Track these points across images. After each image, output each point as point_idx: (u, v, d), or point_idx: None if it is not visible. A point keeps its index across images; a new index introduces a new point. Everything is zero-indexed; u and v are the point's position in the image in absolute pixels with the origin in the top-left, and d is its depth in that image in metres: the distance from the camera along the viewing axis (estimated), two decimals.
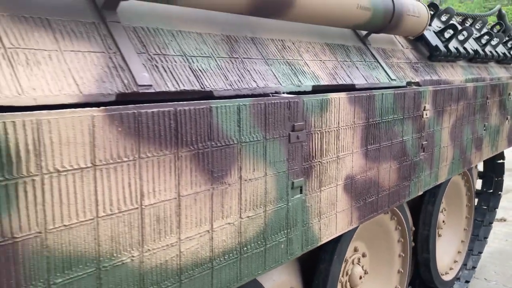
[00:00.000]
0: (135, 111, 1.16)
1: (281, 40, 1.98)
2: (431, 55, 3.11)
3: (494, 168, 5.19)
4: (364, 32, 2.56)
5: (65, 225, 1.06)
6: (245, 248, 1.55)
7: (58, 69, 1.15)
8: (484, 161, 5.01)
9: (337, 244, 2.42)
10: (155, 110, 1.21)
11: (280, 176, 1.66)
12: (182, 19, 1.60)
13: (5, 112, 0.95)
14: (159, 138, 1.23)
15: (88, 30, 1.30)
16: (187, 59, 1.51)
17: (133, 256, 1.21)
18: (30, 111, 0.99)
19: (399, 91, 2.35)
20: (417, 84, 2.75)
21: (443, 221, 4.09)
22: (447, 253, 4.31)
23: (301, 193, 1.77)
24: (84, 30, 1.29)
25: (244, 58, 1.72)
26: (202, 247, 1.40)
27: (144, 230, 1.23)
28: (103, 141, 1.10)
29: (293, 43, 2.03)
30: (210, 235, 1.42)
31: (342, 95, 1.93)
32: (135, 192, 1.19)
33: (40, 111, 0.99)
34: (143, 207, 1.22)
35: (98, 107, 1.10)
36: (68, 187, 1.05)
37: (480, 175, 5.25)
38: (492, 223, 5.12)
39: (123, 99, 1.24)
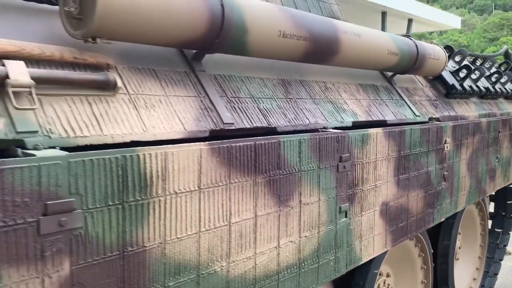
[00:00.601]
0: (228, 145, 1.43)
1: (324, 82, 2.27)
2: (448, 92, 3.39)
3: (505, 193, 5.35)
4: (390, 73, 2.85)
5: (177, 237, 1.30)
6: (303, 264, 1.78)
7: (167, 111, 1.42)
8: None
9: (369, 265, 2.62)
10: (241, 144, 1.47)
11: (330, 201, 1.90)
12: (248, 67, 1.89)
13: (134, 146, 1.21)
14: (243, 167, 1.49)
15: (183, 78, 1.58)
16: (255, 100, 1.78)
17: (222, 266, 1.44)
18: (150, 145, 1.25)
19: (424, 127, 2.61)
20: (438, 119, 3.02)
21: (459, 247, 4.28)
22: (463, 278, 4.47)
23: (346, 217, 2.01)
24: (180, 78, 1.57)
25: (296, 98, 2.00)
26: (271, 261, 1.63)
27: (230, 244, 1.47)
28: (207, 169, 1.36)
29: (333, 84, 2.31)
30: (277, 251, 1.66)
31: (379, 130, 2.19)
32: (225, 211, 1.44)
33: (167, 145, 1.25)
34: (231, 224, 1.46)
35: (197, 141, 1.37)
36: (182, 206, 1.30)
37: (492, 199, 5.42)
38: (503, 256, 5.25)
39: (213, 134, 1.51)
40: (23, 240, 0.97)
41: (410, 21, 15.45)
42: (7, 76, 1.05)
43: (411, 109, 2.79)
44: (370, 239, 2.21)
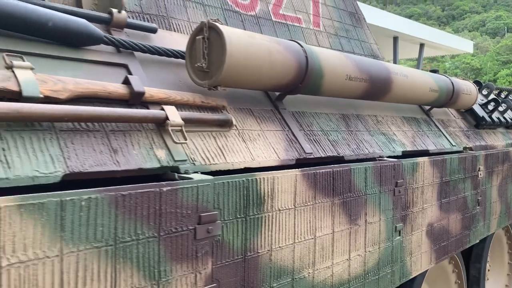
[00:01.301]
0: (314, 171, 1.73)
1: (375, 115, 2.58)
2: (478, 124, 3.68)
3: None
4: (427, 106, 3.16)
5: (279, 246, 1.59)
6: (367, 275, 2.05)
7: (265, 143, 1.74)
8: None
9: (412, 284, 2.87)
10: (323, 170, 1.78)
11: (388, 221, 2.18)
12: (316, 104, 2.21)
13: (246, 172, 1.52)
14: (324, 189, 1.79)
15: (270, 115, 1.90)
16: (325, 133, 2.09)
17: (309, 273, 1.73)
18: (258, 171, 1.56)
19: (461, 156, 2.89)
20: (471, 149, 3.29)
21: (488, 269, 4.46)
22: None
23: (400, 235, 2.28)
24: (268, 115, 1.89)
25: (356, 131, 2.31)
26: (343, 271, 1.91)
27: (315, 254, 1.75)
28: (300, 191, 1.66)
29: (382, 118, 2.62)
30: (348, 263, 1.94)
31: (425, 159, 2.48)
32: (312, 227, 1.73)
33: (274, 171, 1.56)
34: (316, 237, 1.75)
35: (288, 168, 1.67)
36: (282, 221, 1.60)
37: None
38: None
39: (298, 162, 1.82)
40: (185, 243, 1.28)
41: (422, 45, 15.71)
42: (166, 118, 1.38)
43: (448, 140, 3.08)
44: (418, 256, 2.47)
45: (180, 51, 1.71)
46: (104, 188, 1.09)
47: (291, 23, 2.81)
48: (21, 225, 0.95)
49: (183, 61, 1.75)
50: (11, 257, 0.94)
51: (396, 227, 2.24)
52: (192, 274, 1.30)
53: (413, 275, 2.43)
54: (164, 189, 1.21)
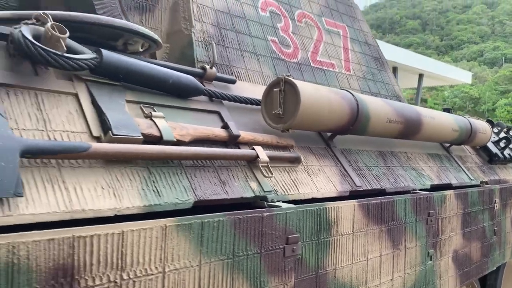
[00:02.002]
0: (367, 202, 2.03)
1: (405, 152, 2.90)
2: (491, 159, 4.00)
3: None
4: (447, 144, 3.48)
5: (341, 266, 1.88)
6: None
7: (324, 176, 2.05)
8: None
9: None
10: (373, 202, 2.08)
11: (422, 247, 2.47)
12: (358, 142, 2.53)
13: (313, 202, 1.82)
14: (374, 218, 2.09)
15: (325, 152, 2.22)
16: (368, 168, 2.41)
17: (369, 286, 2.00)
18: (322, 201, 1.86)
19: (480, 189, 3.20)
20: (487, 183, 3.60)
21: None
22: None
23: (431, 260, 2.56)
24: (324, 152, 2.21)
25: (392, 166, 2.62)
26: None
27: (367, 274, 2.03)
28: (357, 219, 1.96)
29: (411, 154, 2.94)
30: (392, 283, 2.21)
31: (451, 192, 2.79)
32: (365, 250, 2.02)
33: (335, 201, 1.86)
34: (368, 259, 2.04)
35: (344, 199, 1.98)
36: (344, 244, 1.89)
37: None
38: None
39: (351, 194, 2.12)
40: (277, 259, 1.57)
41: (421, 76, 16.15)
42: (257, 156, 1.70)
43: (467, 174, 3.39)
44: (446, 280, 2.74)
45: (256, 99, 2.04)
46: (228, 212, 1.39)
47: (326, 68, 3.17)
48: (177, 240, 1.25)
49: (257, 107, 2.07)
50: (171, 265, 1.23)
51: (428, 252, 2.52)
52: (281, 285, 1.58)
53: None
54: (265, 214, 1.52)
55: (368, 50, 3.72)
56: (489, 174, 3.80)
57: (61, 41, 1.32)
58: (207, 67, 1.94)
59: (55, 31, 1.32)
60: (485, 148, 4.04)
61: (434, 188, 2.82)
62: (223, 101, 1.93)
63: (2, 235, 0.94)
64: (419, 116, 2.69)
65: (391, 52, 13.80)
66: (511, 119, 42.96)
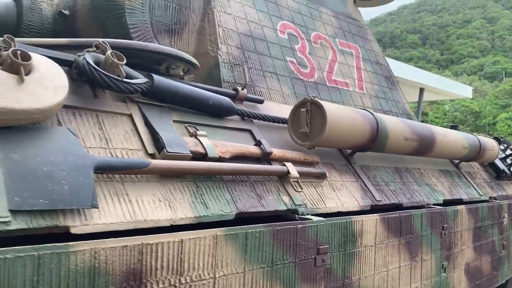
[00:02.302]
0: (388, 216, 2.15)
1: (418, 168, 3.02)
2: (498, 175, 4.12)
3: None
4: (456, 161, 3.61)
5: (365, 276, 1.99)
6: None
7: (347, 191, 2.17)
8: None
9: None
10: (393, 216, 2.20)
11: (437, 259, 2.58)
12: (376, 159, 2.66)
13: (338, 216, 1.94)
14: (394, 231, 2.20)
15: (346, 168, 2.35)
16: (386, 183, 2.53)
17: None
18: (346, 215, 1.99)
19: (490, 204, 3.32)
20: (495, 198, 3.72)
21: None
22: None
23: (445, 272, 2.67)
24: (345, 168, 2.34)
25: (407, 182, 2.75)
26: None
27: (387, 284, 2.15)
28: (379, 232, 2.08)
29: (424, 170, 3.07)
30: None
31: (463, 207, 2.90)
32: (385, 261, 2.13)
33: (359, 215, 1.99)
34: (388, 270, 2.15)
35: (363, 213, 2.10)
36: (367, 255, 2.01)
37: None
38: None
39: (372, 208, 2.24)
40: (309, 268, 1.69)
41: (421, 90, 16.32)
42: (288, 172, 1.83)
43: (476, 190, 3.51)
44: None
45: (282, 118, 2.18)
46: (268, 224, 1.52)
47: (341, 87, 3.32)
48: (225, 249, 1.37)
49: (282, 125, 2.21)
50: (220, 271, 1.36)
51: (443, 264, 2.63)
52: None
53: None
54: (299, 226, 1.64)
55: (379, 69, 3.87)
56: (497, 189, 3.92)
57: (120, 67, 1.46)
58: (239, 88, 2.08)
59: (114, 58, 1.46)
60: (492, 165, 4.17)
61: (447, 203, 2.94)
62: (253, 120, 2.07)
63: (86, 241, 1.07)
64: (433, 134, 2.82)
65: (392, 66, 13.96)
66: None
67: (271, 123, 2.18)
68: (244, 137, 1.94)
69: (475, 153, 3.47)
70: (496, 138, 4.41)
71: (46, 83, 1.22)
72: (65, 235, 1.11)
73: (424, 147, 2.76)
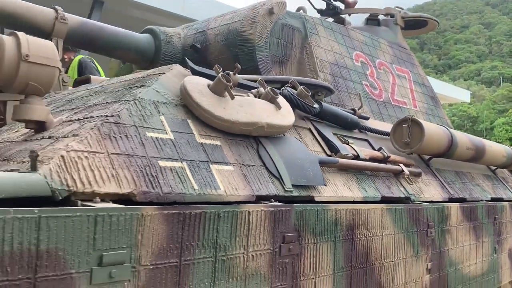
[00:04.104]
0: (463, 205, 2.87)
1: (469, 172, 3.75)
2: None
3: None
4: (493, 167, 4.34)
5: (455, 247, 2.70)
6: (480, 277, 3.13)
7: (433, 186, 2.89)
8: None
9: None
10: (465, 205, 2.92)
11: (492, 243, 3.29)
12: (442, 163, 3.39)
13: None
14: (466, 218, 2.92)
15: (427, 169, 3.07)
16: (453, 182, 3.25)
17: (465, 265, 2.82)
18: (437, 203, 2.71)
19: None
20: None
21: None
22: None
23: (496, 253, 3.39)
24: (426, 170, 3.06)
25: (465, 182, 3.47)
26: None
27: (464, 255, 2.86)
28: (459, 216, 2.80)
29: (473, 174, 3.80)
30: (475, 266, 3.03)
31: (506, 203, 3.63)
32: (462, 238, 2.85)
33: (449, 203, 2.70)
34: (464, 245, 2.86)
35: (445, 203, 2.82)
36: (453, 232, 2.72)
37: None
38: None
39: (453, 200, 2.96)
40: (423, 236, 2.40)
41: None
42: (402, 170, 2.55)
43: (510, 191, 4.24)
44: (505, 271, 3.55)
45: (385, 131, 2.91)
46: (405, 203, 2.24)
47: (402, 106, 4.06)
48: (386, 217, 2.09)
49: (383, 136, 2.93)
50: (385, 231, 2.07)
51: (495, 247, 3.35)
52: (424, 255, 2.41)
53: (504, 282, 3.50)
54: (419, 207, 2.36)
55: (426, 90, 4.63)
56: None
57: (309, 97, 2.19)
58: (356, 109, 2.81)
59: (304, 91, 2.19)
60: None
61: (494, 199, 3.66)
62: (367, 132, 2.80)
63: (334, 203, 1.79)
64: (484, 145, 3.56)
65: None
66: (509, 138, 42.49)
67: (374, 134, 2.90)
68: (362, 145, 2.66)
69: (510, 161, 4.21)
70: None
71: (287, 109, 1.95)
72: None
73: (478, 155, 3.49)
